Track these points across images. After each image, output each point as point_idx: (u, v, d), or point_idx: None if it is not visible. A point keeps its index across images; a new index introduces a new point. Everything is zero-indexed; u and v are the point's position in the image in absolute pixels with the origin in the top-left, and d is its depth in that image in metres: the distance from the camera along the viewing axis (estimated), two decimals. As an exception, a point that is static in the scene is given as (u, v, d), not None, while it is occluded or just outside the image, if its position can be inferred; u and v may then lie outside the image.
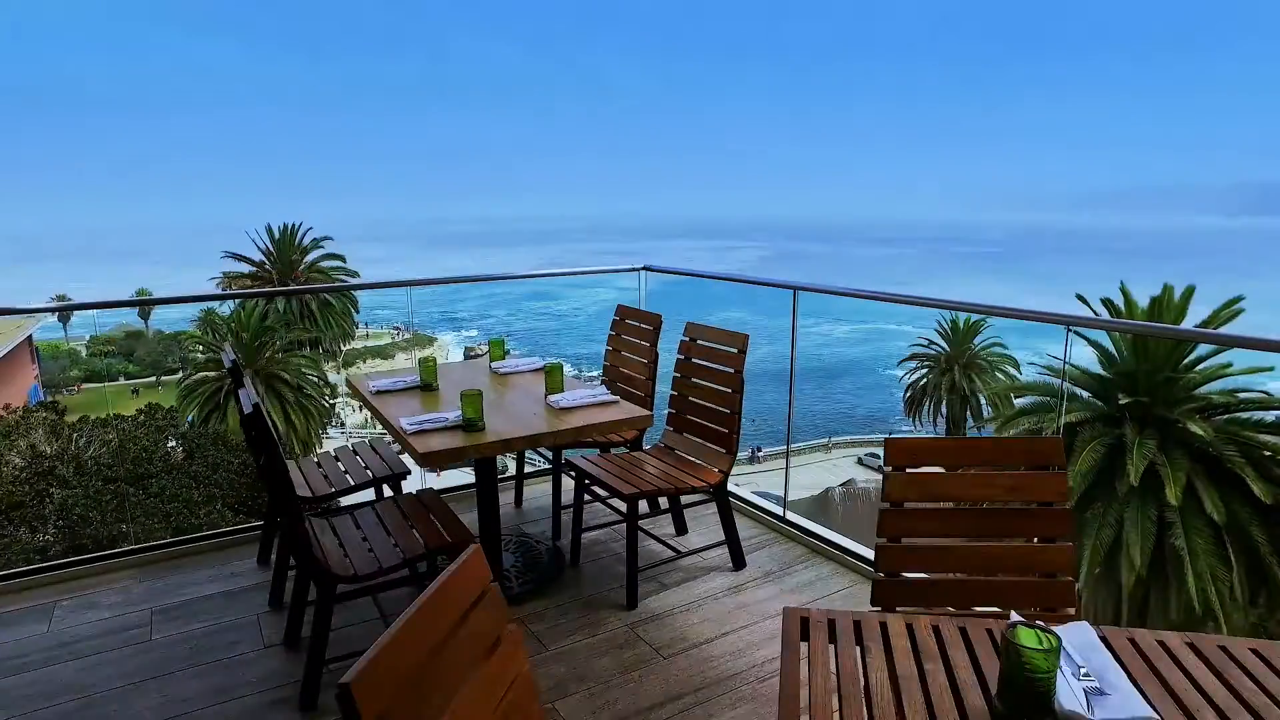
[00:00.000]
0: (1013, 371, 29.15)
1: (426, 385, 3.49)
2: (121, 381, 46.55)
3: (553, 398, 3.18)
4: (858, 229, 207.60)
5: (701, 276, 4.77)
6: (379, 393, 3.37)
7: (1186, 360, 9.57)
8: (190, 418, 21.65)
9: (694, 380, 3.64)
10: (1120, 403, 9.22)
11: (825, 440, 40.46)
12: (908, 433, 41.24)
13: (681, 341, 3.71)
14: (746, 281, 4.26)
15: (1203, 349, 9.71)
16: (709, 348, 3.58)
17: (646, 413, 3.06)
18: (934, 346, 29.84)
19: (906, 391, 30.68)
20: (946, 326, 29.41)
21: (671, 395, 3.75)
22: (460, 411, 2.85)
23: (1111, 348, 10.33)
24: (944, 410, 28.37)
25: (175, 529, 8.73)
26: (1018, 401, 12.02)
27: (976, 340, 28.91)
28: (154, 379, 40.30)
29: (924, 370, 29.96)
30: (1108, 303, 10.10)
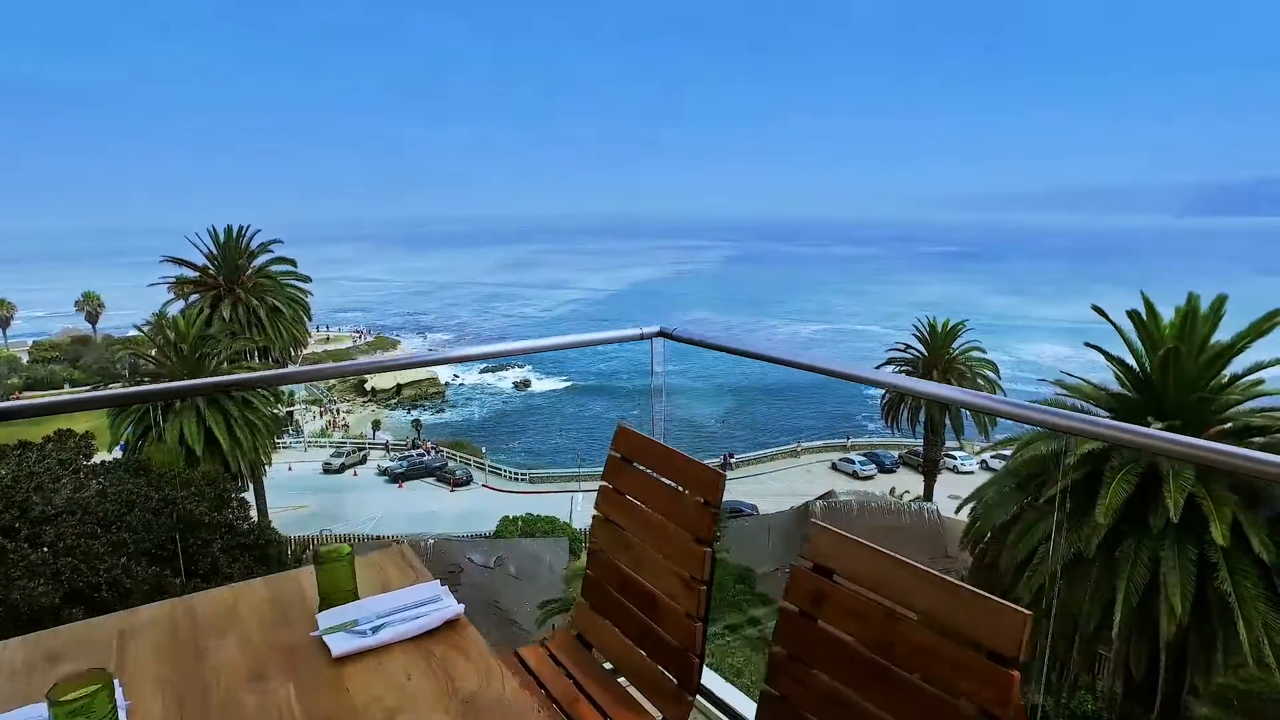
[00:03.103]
0: (991, 375, 28.59)
1: None
2: (66, 389, 44.17)
3: None
4: (825, 228, 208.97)
5: (789, 365, 2.76)
6: None
7: (1221, 378, 8.71)
8: (125, 436, 20.03)
9: (822, 641, 1.56)
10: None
11: (794, 445, 39.72)
12: (874, 432, 40.66)
13: (796, 570, 1.60)
14: (959, 404, 2.21)
15: (1237, 365, 8.85)
16: (863, 601, 1.49)
17: None
18: (911, 350, 29.15)
19: (884, 396, 29.88)
20: (925, 329, 28.70)
21: (773, 656, 1.61)
22: None
23: (1134, 363, 9.45)
24: (922, 417, 27.57)
25: (69, 591, 7.23)
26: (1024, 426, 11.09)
27: (955, 344, 28.22)
28: (91, 387, 38.17)
29: (901, 374, 29.20)
30: (1133, 315, 9.18)
